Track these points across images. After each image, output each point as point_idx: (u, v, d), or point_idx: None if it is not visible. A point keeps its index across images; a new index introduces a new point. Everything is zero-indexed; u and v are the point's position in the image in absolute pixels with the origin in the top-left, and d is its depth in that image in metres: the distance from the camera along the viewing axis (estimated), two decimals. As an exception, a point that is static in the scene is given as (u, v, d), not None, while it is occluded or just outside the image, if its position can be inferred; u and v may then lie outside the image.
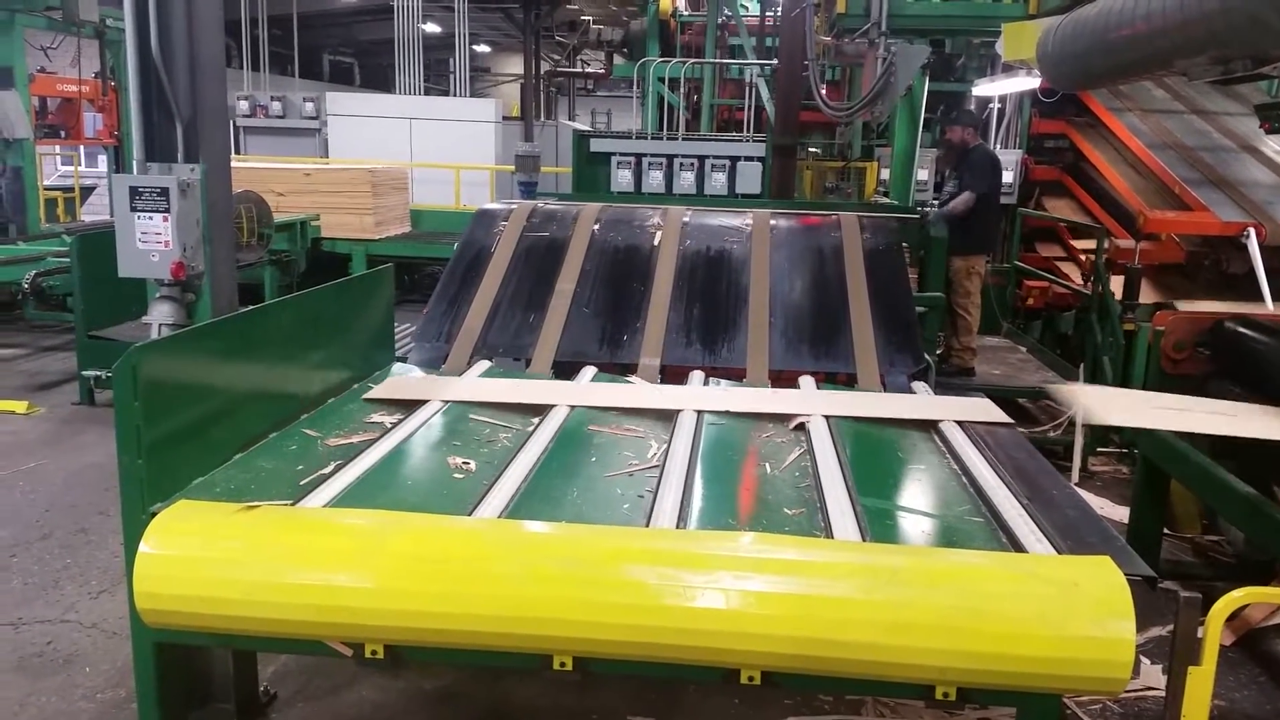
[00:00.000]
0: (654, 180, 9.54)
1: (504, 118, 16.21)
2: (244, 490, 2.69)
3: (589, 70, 21.95)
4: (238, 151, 15.38)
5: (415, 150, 14.79)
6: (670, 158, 9.54)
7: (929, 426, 3.55)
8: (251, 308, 3.32)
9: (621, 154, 9.63)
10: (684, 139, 9.89)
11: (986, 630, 2.16)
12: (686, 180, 9.49)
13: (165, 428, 2.63)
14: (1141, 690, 3.71)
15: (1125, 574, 2.22)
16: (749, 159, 9.45)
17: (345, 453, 3.07)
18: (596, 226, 5.31)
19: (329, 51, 25.35)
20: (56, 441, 6.35)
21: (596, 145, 9.90)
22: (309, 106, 15.51)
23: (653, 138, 9.79)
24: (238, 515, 2.49)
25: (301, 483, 2.78)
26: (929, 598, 2.19)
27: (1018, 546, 2.49)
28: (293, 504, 2.62)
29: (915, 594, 2.20)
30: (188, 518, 2.50)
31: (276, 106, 15.59)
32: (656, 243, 5.15)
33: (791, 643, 2.21)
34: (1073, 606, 2.16)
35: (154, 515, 2.49)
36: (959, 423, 3.51)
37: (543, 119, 19.70)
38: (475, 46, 21.71)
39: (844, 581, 2.25)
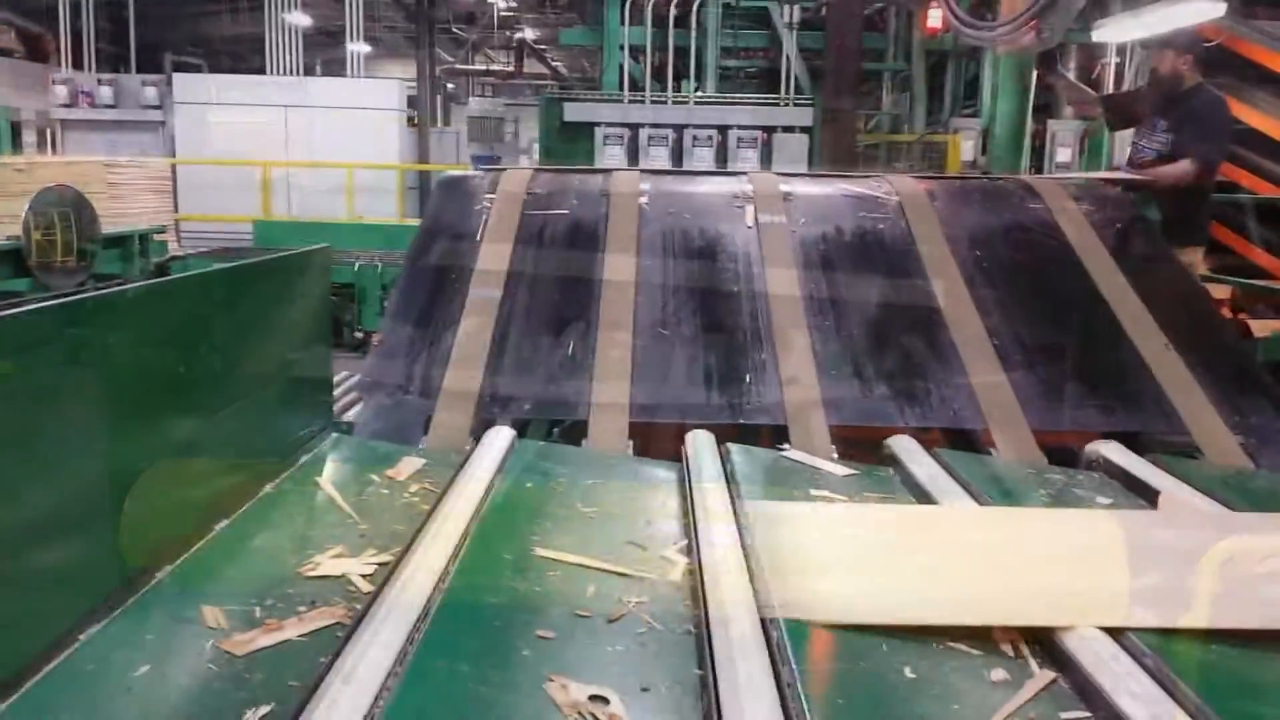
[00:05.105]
0: (656, 159, 6.84)
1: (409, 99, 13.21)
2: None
3: (493, 68, 19.06)
4: (53, 150, 11.97)
5: (292, 146, 11.65)
6: (680, 128, 6.86)
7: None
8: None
9: (610, 125, 6.89)
10: (697, 102, 7.20)
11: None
12: (703, 158, 6.83)
13: None
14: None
15: None
16: (789, 129, 6.86)
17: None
18: (644, 201, 3.56)
19: (172, 50, 21.69)
20: None
21: (573, 113, 7.11)
22: (150, 92, 12.34)
23: (653, 100, 7.07)
24: None
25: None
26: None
27: None
28: None
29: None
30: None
31: (106, 93, 12.36)
32: (749, 223, 3.39)
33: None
34: None
35: None
36: None
37: (440, 125, 16.74)
38: (353, 46, 18.37)
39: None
